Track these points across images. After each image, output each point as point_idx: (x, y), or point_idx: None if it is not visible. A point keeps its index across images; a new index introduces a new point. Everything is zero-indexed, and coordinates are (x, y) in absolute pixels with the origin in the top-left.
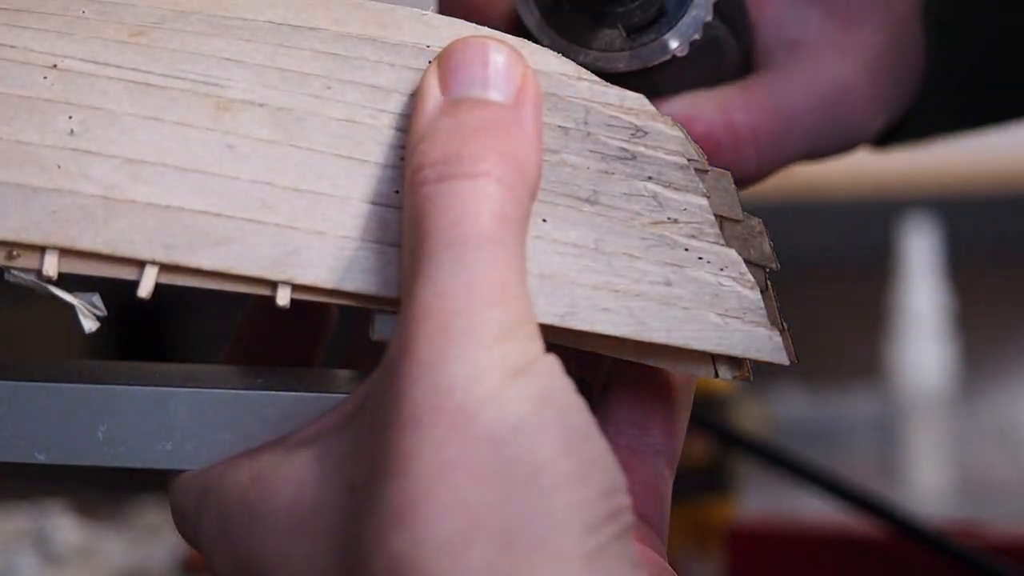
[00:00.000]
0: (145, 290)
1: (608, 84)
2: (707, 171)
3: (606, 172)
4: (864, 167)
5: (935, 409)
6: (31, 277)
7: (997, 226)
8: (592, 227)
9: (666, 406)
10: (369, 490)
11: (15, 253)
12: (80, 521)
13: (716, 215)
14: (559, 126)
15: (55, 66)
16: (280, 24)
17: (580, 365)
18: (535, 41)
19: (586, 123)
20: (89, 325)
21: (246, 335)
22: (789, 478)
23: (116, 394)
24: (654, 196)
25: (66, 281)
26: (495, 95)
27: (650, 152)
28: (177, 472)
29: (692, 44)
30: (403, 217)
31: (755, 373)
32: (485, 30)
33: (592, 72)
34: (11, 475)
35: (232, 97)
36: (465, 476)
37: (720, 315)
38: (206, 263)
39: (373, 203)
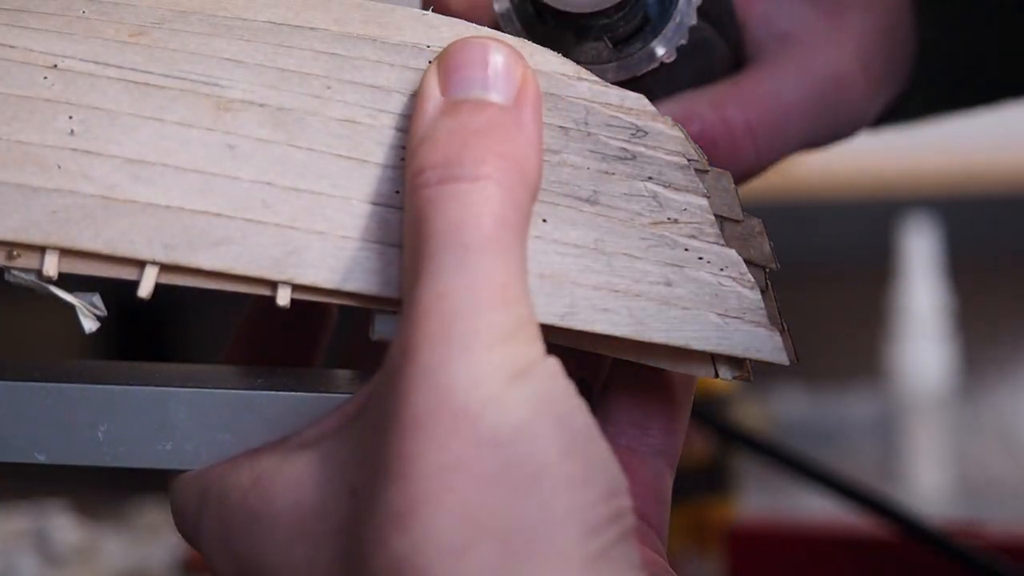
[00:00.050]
0: (145, 290)
1: (608, 84)
2: (707, 171)
3: (606, 172)
4: (864, 167)
5: (935, 409)
6: (31, 277)
7: (997, 226)
8: (592, 227)
9: (666, 406)
10: (370, 492)
11: (15, 253)
12: (80, 521)
13: (716, 215)
14: (559, 126)
15: (55, 66)
16: (280, 24)
17: (580, 365)
18: None
19: (586, 123)
20: (89, 325)
21: (246, 335)
22: (794, 477)
23: (116, 394)
24: (654, 196)
25: (66, 281)
26: (495, 96)
27: (650, 152)
28: (177, 472)
29: (679, 49)
30: (403, 218)
31: (755, 373)
32: (485, 30)
33: (578, 66)
34: (11, 475)
35: (232, 97)
36: (466, 479)
37: (720, 315)
38: (206, 263)
39: (373, 203)
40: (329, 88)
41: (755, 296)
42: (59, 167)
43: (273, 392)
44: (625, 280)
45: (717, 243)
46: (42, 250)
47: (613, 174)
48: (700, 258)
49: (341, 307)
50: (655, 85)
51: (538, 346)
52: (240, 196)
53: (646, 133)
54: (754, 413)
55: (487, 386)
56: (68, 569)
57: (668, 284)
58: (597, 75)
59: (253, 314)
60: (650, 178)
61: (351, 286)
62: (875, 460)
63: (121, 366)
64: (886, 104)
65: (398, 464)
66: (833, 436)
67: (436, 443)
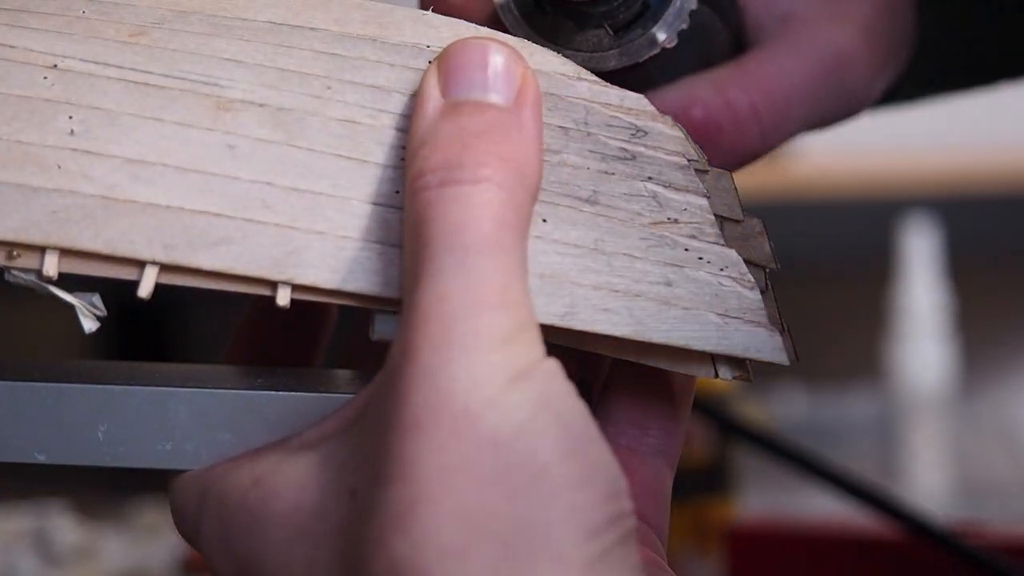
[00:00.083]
0: (145, 290)
1: (608, 84)
2: (707, 171)
3: (606, 172)
4: (864, 167)
5: (935, 409)
6: (31, 277)
7: (997, 226)
8: (592, 227)
9: (666, 406)
10: (370, 493)
11: (15, 253)
12: (80, 521)
13: (716, 215)
14: (559, 126)
15: (55, 66)
16: (280, 24)
17: (580, 365)
18: None
19: (586, 123)
20: (89, 325)
21: (246, 335)
22: (800, 474)
23: (116, 394)
24: (654, 196)
25: (66, 281)
26: (495, 98)
27: (650, 152)
28: (177, 472)
29: (680, 34)
30: (403, 218)
31: (755, 373)
32: (485, 30)
33: (578, 66)
34: (11, 475)
35: (232, 97)
36: (466, 481)
37: (720, 315)
38: (206, 263)
39: (373, 203)
40: (329, 88)
41: (755, 296)
42: (59, 167)
43: (273, 392)
44: (625, 280)
45: (717, 243)
46: (42, 250)
47: (613, 174)
48: (700, 258)
49: (341, 307)
50: (657, 71)
51: (538, 348)
52: (240, 196)
53: (646, 133)
54: (754, 413)
55: (487, 388)
56: (68, 569)
57: (668, 284)
58: (598, 62)
59: (253, 314)
60: (650, 178)
61: (351, 286)
62: (875, 460)
63: (121, 366)
64: (889, 83)
65: (398, 465)
66: (833, 436)
67: (436, 444)
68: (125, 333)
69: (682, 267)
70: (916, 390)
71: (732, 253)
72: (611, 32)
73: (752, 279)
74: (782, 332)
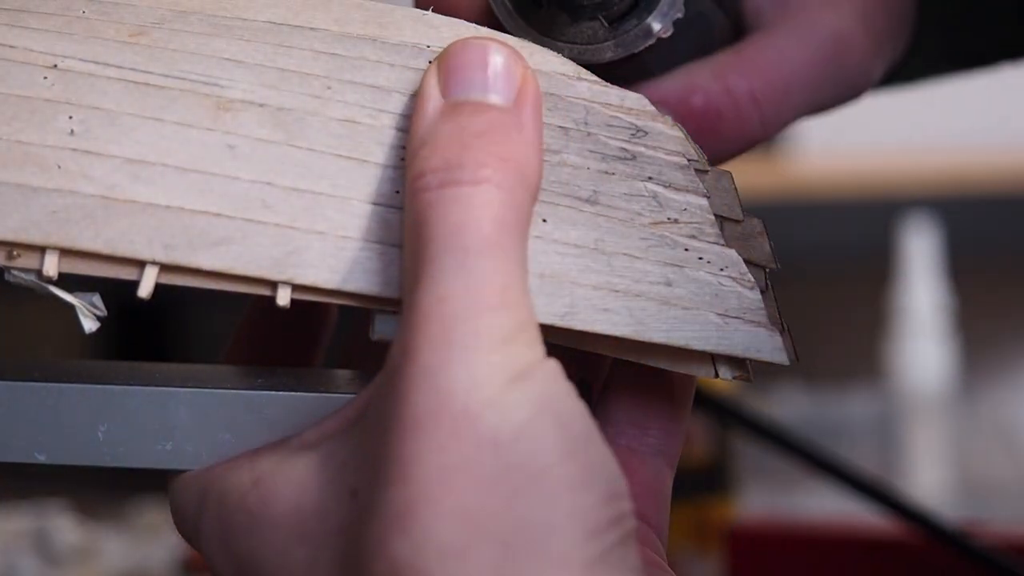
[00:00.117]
0: (145, 290)
1: (608, 84)
2: (707, 171)
3: (606, 172)
4: (864, 167)
5: (935, 409)
6: (31, 277)
7: (997, 226)
8: (592, 227)
9: (666, 406)
10: (370, 494)
11: (15, 253)
12: (80, 521)
13: (716, 215)
14: (559, 126)
15: (55, 66)
16: (280, 24)
17: (580, 366)
18: None
19: (586, 123)
20: (89, 325)
21: (246, 335)
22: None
23: (116, 394)
24: (654, 196)
25: (66, 281)
26: (495, 98)
27: (650, 152)
28: (177, 472)
29: (676, 23)
30: (403, 218)
31: (755, 373)
32: (485, 30)
33: (578, 66)
34: (11, 475)
35: (232, 97)
36: (466, 481)
37: (720, 315)
38: (206, 263)
39: (373, 203)
40: (329, 88)
41: (755, 296)
42: (59, 167)
43: (273, 392)
44: (625, 280)
45: (717, 243)
46: (42, 250)
47: (613, 174)
48: (700, 258)
49: (341, 307)
50: (653, 61)
51: (538, 348)
52: (240, 196)
53: (646, 133)
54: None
55: (487, 388)
56: (68, 569)
57: (668, 284)
58: (593, 55)
59: (253, 314)
60: (650, 178)
61: (351, 286)
62: (875, 460)
63: (121, 366)
64: (888, 66)
65: (398, 466)
66: (833, 436)
67: (436, 445)
68: (125, 333)
69: (682, 267)
70: (916, 390)
71: (732, 253)
72: (606, 24)
73: (752, 279)
74: (782, 332)
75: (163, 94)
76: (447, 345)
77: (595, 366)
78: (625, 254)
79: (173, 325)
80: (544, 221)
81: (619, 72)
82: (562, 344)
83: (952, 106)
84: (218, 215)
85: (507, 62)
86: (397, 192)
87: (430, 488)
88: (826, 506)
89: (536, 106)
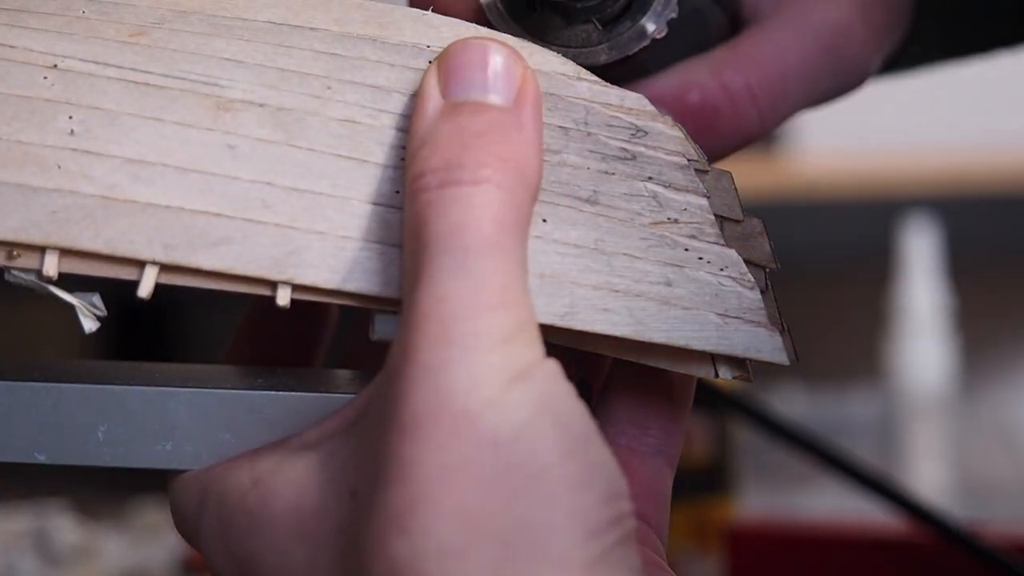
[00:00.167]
0: (145, 290)
1: (608, 84)
2: (707, 171)
3: (606, 172)
4: (864, 167)
5: (935, 409)
6: (31, 277)
7: (997, 226)
8: (592, 227)
9: (666, 406)
10: (370, 494)
11: (15, 253)
12: (80, 521)
13: (716, 215)
14: (559, 126)
15: (55, 66)
16: (280, 24)
17: (580, 365)
18: None
19: (586, 123)
20: (89, 325)
21: (246, 335)
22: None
23: (116, 394)
24: (654, 196)
25: (66, 281)
26: (495, 98)
27: (650, 152)
28: (177, 472)
29: (670, 23)
30: (404, 219)
31: (755, 373)
32: (485, 30)
33: (578, 66)
34: (11, 475)
35: (232, 97)
36: (466, 481)
37: (720, 315)
38: (206, 263)
39: (373, 203)
40: (329, 88)
41: (755, 296)
42: (59, 167)
43: (273, 392)
44: (625, 280)
45: (717, 243)
46: (42, 250)
47: (613, 174)
48: (700, 258)
49: (341, 307)
50: (649, 60)
51: (538, 348)
52: (240, 196)
53: (646, 133)
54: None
55: (487, 388)
56: (68, 569)
57: (668, 284)
58: (588, 58)
59: (253, 314)
60: (650, 178)
61: (351, 286)
62: (875, 460)
63: (121, 366)
64: (886, 55)
65: (398, 466)
66: (833, 436)
67: (436, 445)
68: (125, 333)
69: (682, 267)
70: (916, 390)
71: (732, 253)
72: (599, 26)
73: (752, 279)
74: (782, 332)
75: (163, 94)
76: (447, 345)
77: (595, 366)
78: (625, 254)
79: (173, 325)
80: (544, 221)
81: (615, 73)
82: (562, 344)
83: (952, 106)
84: (218, 215)
85: (507, 62)
86: (397, 192)
87: (430, 488)
88: (827, 506)
89: (536, 106)
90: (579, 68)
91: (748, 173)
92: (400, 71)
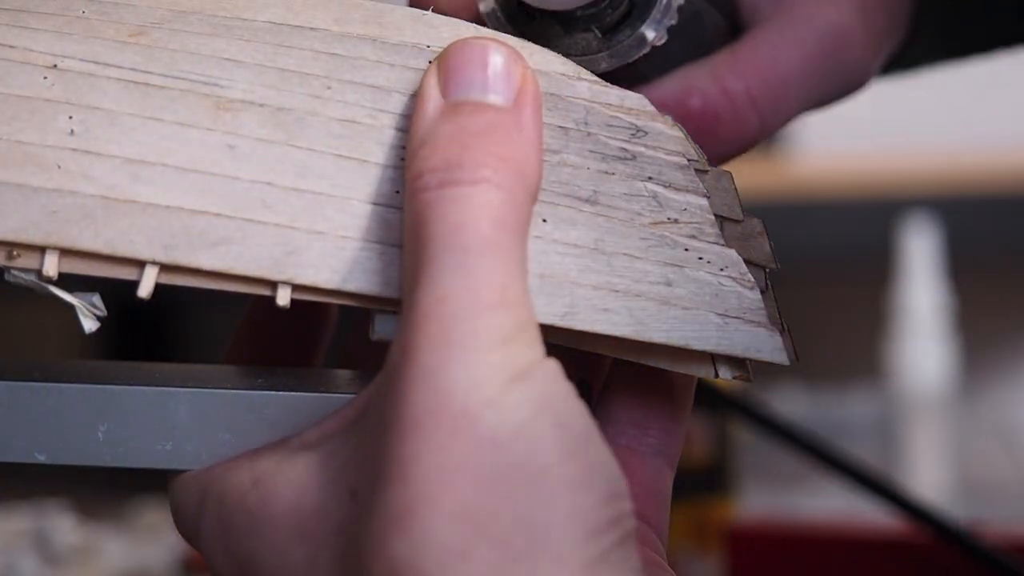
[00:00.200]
0: (145, 290)
1: (608, 84)
2: (707, 171)
3: (606, 172)
4: (864, 167)
5: (935, 409)
6: (31, 277)
7: (997, 226)
8: (592, 227)
9: (666, 406)
10: (370, 495)
11: (15, 253)
12: (80, 521)
13: (716, 215)
14: (559, 126)
15: (55, 66)
16: (280, 24)
17: (580, 365)
18: None
19: (586, 123)
20: (89, 325)
21: (246, 335)
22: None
23: (116, 394)
24: (654, 196)
25: (66, 281)
26: (495, 98)
27: (650, 152)
28: (177, 472)
29: (670, 30)
30: (404, 219)
31: (755, 373)
32: (485, 30)
33: (578, 66)
34: (11, 475)
35: (232, 97)
36: (465, 481)
37: (720, 315)
38: (206, 263)
39: (373, 203)
40: (329, 88)
41: (755, 296)
42: (59, 167)
43: (273, 392)
44: (625, 280)
45: (717, 243)
46: (42, 250)
47: (613, 174)
48: (700, 258)
49: (341, 307)
50: (649, 67)
51: (538, 348)
52: (240, 196)
53: (646, 133)
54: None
55: (487, 388)
56: (68, 569)
57: (668, 284)
58: (588, 66)
59: (253, 314)
60: (650, 178)
61: (351, 286)
62: (875, 460)
63: (121, 366)
64: (889, 55)
65: (397, 466)
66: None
67: (435, 445)
68: (125, 333)
69: (682, 267)
70: (916, 390)
71: (732, 253)
72: (599, 34)
73: (752, 279)
74: (782, 332)
75: (163, 94)
76: (446, 345)
77: (595, 366)
78: (625, 254)
79: (173, 325)
80: (544, 221)
81: (615, 80)
82: (562, 344)
83: (952, 106)
84: (218, 215)
85: (507, 62)
86: (397, 192)
87: (430, 488)
88: (826, 506)
89: (536, 106)
90: (579, 68)
91: (748, 173)
92: (400, 71)
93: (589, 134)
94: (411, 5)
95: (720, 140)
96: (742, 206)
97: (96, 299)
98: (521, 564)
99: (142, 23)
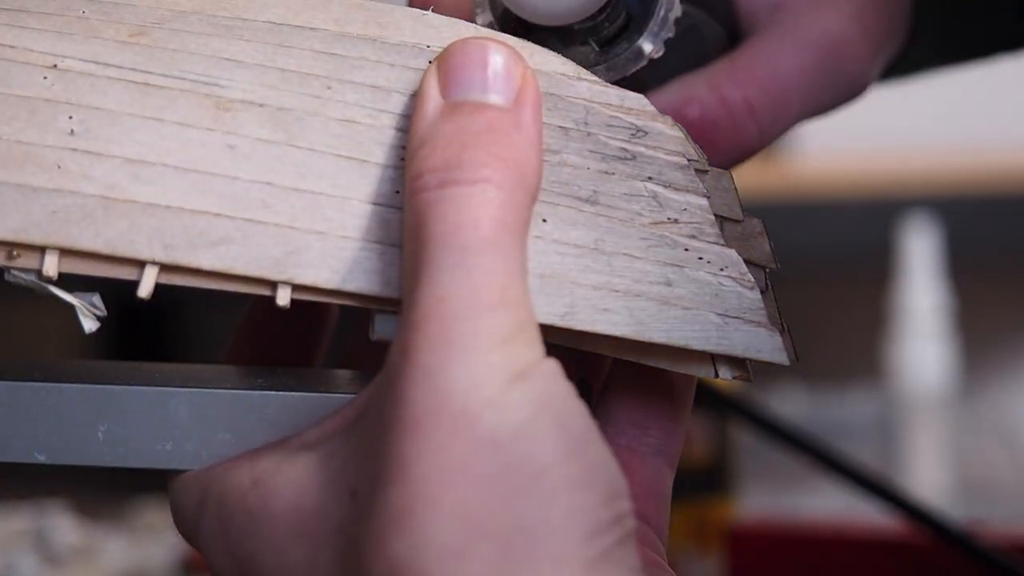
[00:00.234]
0: (145, 290)
1: (608, 84)
2: (707, 171)
3: (606, 172)
4: (864, 167)
5: (935, 409)
6: (31, 277)
7: (997, 226)
8: (592, 227)
9: (666, 406)
10: (370, 495)
11: (15, 253)
12: (80, 521)
13: (716, 215)
14: (559, 126)
15: (55, 66)
16: (280, 24)
17: (580, 365)
18: None
19: (586, 123)
20: (89, 325)
21: (246, 335)
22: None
23: (116, 394)
24: (654, 196)
25: (66, 281)
26: (494, 98)
27: (650, 152)
28: (177, 472)
29: (667, 42)
30: (403, 219)
31: (755, 373)
32: (485, 31)
33: (578, 66)
34: (11, 475)
35: (232, 97)
36: (465, 481)
37: (720, 315)
38: (206, 263)
39: (373, 203)
40: (329, 88)
41: (755, 296)
42: (59, 167)
43: (273, 392)
44: (625, 280)
45: (717, 243)
46: (42, 250)
47: (613, 174)
48: (700, 258)
49: (341, 307)
50: (650, 76)
51: (538, 348)
52: (240, 196)
53: (646, 133)
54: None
55: (486, 388)
56: (68, 569)
57: (668, 284)
58: None
59: (253, 314)
60: (650, 178)
61: (351, 286)
62: (875, 460)
63: (121, 366)
64: (888, 61)
65: (397, 466)
66: (833, 436)
67: (435, 444)
68: (125, 333)
69: (682, 267)
70: (916, 390)
71: (732, 253)
72: (597, 48)
73: (752, 279)
74: (782, 332)
75: (163, 94)
76: (446, 345)
77: (595, 366)
78: (625, 254)
79: (173, 325)
80: (544, 221)
81: None
82: (562, 344)
83: (952, 106)
84: (218, 215)
85: (507, 62)
86: (397, 192)
87: (429, 488)
88: (826, 506)
89: (536, 106)
90: (579, 68)
91: (748, 173)
92: (400, 71)
93: (589, 134)
94: (411, 5)
95: (719, 149)
96: (742, 206)
97: (96, 299)
98: (521, 564)
99: (142, 23)
